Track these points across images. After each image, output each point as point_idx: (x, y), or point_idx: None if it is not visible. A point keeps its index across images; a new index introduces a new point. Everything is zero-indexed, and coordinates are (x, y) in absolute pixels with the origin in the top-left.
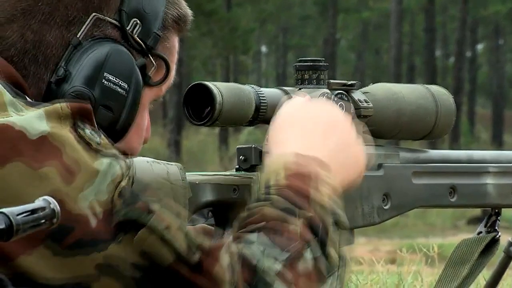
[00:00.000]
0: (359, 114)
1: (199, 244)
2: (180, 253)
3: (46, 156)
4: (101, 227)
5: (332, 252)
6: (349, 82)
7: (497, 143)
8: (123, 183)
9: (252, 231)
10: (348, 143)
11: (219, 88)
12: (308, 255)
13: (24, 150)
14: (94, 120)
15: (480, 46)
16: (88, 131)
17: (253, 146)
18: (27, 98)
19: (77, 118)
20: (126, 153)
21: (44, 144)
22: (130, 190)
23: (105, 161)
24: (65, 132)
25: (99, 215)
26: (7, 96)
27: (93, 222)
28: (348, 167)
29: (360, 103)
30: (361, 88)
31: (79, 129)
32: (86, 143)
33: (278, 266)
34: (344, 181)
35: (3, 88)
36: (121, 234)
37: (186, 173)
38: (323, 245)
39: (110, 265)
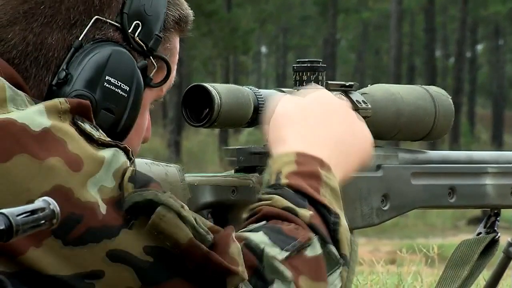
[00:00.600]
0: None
1: (211, 226)
2: (196, 229)
3: (50, 148)
4: (111, 214)
5: (332, 250)
6: (348, 83)
7: (497, 143)
8: (130, 169)
9: (252, 230)
10: (350, 134)
11: (218, 90)
12: (308, 253)
13: (28, 143)
14: (93, 117)
15: (480, 47)
16: (87, 126)
17: (252, 147)
18: (27, 97)
19: (76, 114)
20: (126, 152)
21: (47, 137)
22: (139, 174)
23: (109, 150)
24: (66, 126)
25: (108, 202)
26: (8, 92)
27: (102, 210)
28: (352, 158)
29: (358, 104)
30: (359, 89)
31: (79, 123)
32: (88, 136)
33: (278, 265)
34: (349, 171)
35: (4, 83)
36: (132, 218)
37: (185, 175)
38: (323, 244)
39: (120, 252)
